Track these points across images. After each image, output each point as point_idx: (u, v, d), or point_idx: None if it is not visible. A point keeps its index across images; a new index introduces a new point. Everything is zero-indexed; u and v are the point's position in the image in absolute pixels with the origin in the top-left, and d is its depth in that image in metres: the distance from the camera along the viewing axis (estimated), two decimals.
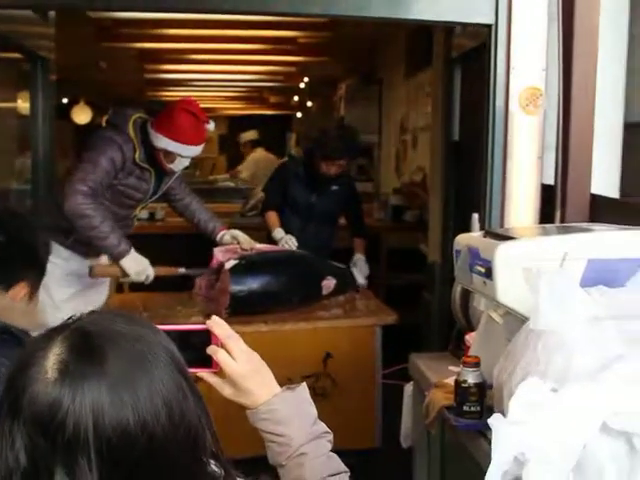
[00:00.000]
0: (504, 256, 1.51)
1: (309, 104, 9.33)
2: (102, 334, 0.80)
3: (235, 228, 5.40)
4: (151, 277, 2.82)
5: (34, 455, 0.76)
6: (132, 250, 2.77)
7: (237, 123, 12.00)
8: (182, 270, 2.99)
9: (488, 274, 1.55)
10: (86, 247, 2.89)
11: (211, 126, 2.92)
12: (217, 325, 1.05)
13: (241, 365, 1.04)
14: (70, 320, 0.83)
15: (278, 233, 3.59)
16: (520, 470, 0.98)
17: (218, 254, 3.04)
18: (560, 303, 1.23)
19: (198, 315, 3.01)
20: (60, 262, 2.78)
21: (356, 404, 3.03)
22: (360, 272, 3.60)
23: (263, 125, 10.21)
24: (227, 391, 1.05)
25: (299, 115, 10.22)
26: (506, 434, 0.94)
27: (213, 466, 0.88)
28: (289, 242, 3.51)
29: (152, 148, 2.85)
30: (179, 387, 0.82)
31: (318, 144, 3.64)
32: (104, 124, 2.99)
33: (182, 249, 4.43)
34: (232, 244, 3.15)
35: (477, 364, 1.62)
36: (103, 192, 2.79)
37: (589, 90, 2.48)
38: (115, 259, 2.77)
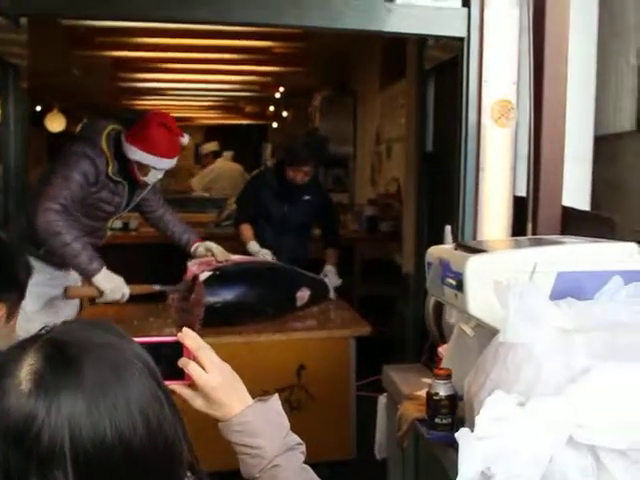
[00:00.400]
0: (474, 269, 1.52)
1: (284, 114, 9.35)
2: (76, 344, 0.79)
3: (210, 238, 5.38)
4: (127, 295, 2.78)
5: (8, 470, 0.74)
6: (104, 268, 2.73)
7: (213, 133, 12.00)
8: (157, 287, 2.97)
9: (459, 287, 1.56)
10: (58, 258, 2.85)
11: (185, 139, 2.91)
12: (188, 337, 1.05)
13: (213, 377, 1.04)
14: (43, 331, 0.82)
15: (253, 246, 3.59)
16: None
17: (192, 267, 3.02)
18: (529, 316, 1.24)
19: (171, 327, 2.98)
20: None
21: (330, 416, 3.02)
22: (330, 283, 3.60)
23: (239, 135, 10.21)
24: (199, 403, 1.05)
25: (275, 125, 10.23)
26: (472, 448, 0.94)
27: (189, 478, 0.88)
28: (266, 257, 3.50)
29: (126, 160, 2.83)
30: (155, 397, 0.81)
31: (285, 151, 3.66)
32: (77, 136, 2.96)
33: (156, 259, 4.42)
34: (206, 256, 3.13)
35: (449, 376, 1.62)
36: (75, 207, 2.75)
37: (560, 103, 2.51)
38: (87, 277, 2.74)
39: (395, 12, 2.58)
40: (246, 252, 3.60)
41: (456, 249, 1.77)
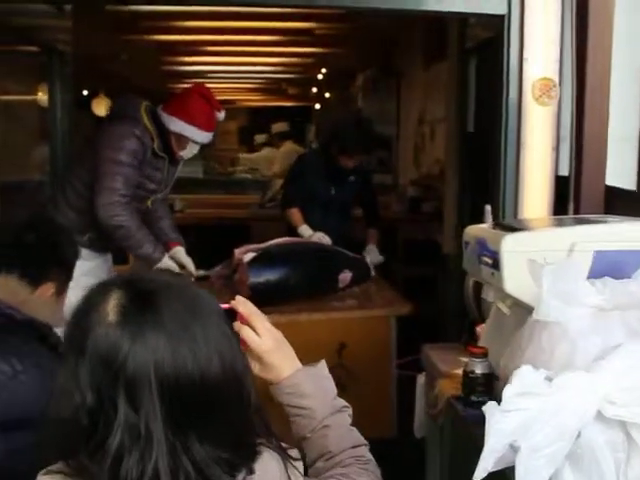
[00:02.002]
0: (510, 247, 1.52)
1: (327, 95, 9.33)
2: (157, 282, 0.88)
3: (253, 219, 5.48)
4: None
5: (99, 390, 0.82)
6: (166, 256, 2.79)
7: (256, 115, 12.04)
8: (201, 272, 3.00)
9: (495, 265, 1.56)
10: (104, 242, 2.88)
11: (222, 115, 2.91)
12: (241, 304, 1.10)
13: (265, 341, 1.08)
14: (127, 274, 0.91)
15: (305, 230, 3.57)
16: (514, 457, 1.00)
17: (238, 254, 3.04)
18: (563, 294, 1.24)
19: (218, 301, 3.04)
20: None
21: (371, 394, 3.04)
22: (372, 260, 3.60)
23: (283, 117, 10.20)
24: (252, 366, 1.08)
25: (318, 107, 10.22)
26: (499, 421, 0.96)
27: (258, 423, 0.94)
28: (322, 240, 3.49)
29: (165, 135, 2.81)
30: (227, 336, 0.90)
31: (335, 138, 3.64)
32: (113, 115, 2.92)
33: (201, 240, 4.48)
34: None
35: (485, 354, 1.63)
36: (129, 191, 2.73)
37: (604, 80, 2.47)
38: (152, 264, 2.77)
39: None
40: (295, 235, 3.59)
41: (493, 228, 1.77)
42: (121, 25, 5.63)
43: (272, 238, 4.30)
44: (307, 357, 3.08)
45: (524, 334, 1.39)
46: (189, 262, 3.01)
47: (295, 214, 3.65)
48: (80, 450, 0.83)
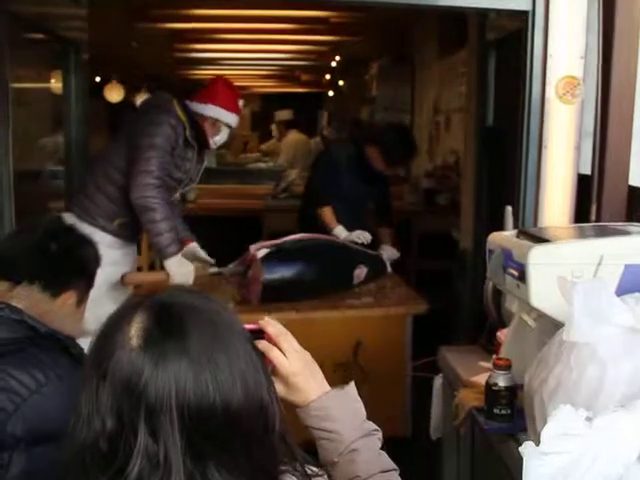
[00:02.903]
0: (537, 260, 1.48)
1: (341, 83, 9.26)
2: (182, 306, 0.85)
3: (266, 211, 5.46)
4: (190, 282, 2.81)
5: (120, 416, 0.80)
6: (180, 254, 2.79)
7: (270, 101, 11.99)
8: (214, 269, 2.99)
9: (521, 277, 1.53)
10: (132, 231, 2.93)
11: (241, 102, 3.08)
12: (270, 324, 1.06)
13: (293, 363, 1.05)
14: (151, 293, 0.89)
15: (341, 232, 3.50)
16: None
17: (254, 250, 3.01)
18: (594, 314, 1.21)
19: (230, 301, 3.02)
20: (102, 249, 2.74)
21: (386, 392, 3.03)
22: (388, 257, 3.56)
23: (295, 103, 10.16)
24: (278, 389, 1.04)
25: (331, 94, 10.15)
26: (538, 464, 0.92)
27: (279, 444, 0.91)
28: (361, 237, 3.44)
29: (197, 124, 2.93)
30: (252, 360, 0.87)
31: (377, 143, 3.56)
32: (145, 107, 3.05)
33: (214, 231, 4.46)
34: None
35: (508, 367, 1.60)
36: (164, 177, 2.80)
37: (630, 78, 2.41)
38: (162, 257, 2.80)
39: None
40: (313, 229, 3.52)
41: (518, 236, 1.73)
42: (133, 13, 5.60)
43: (285, 229, 4.30)
44: (323, 354, 3.05)
45: (551, 350, 1.35)
46: (207, 257, 3.05)
47: (328, 214, 3.56)
48: (99, 477, 0.81)
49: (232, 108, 3.01)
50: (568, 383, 1.22)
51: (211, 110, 2.96)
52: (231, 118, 3.02)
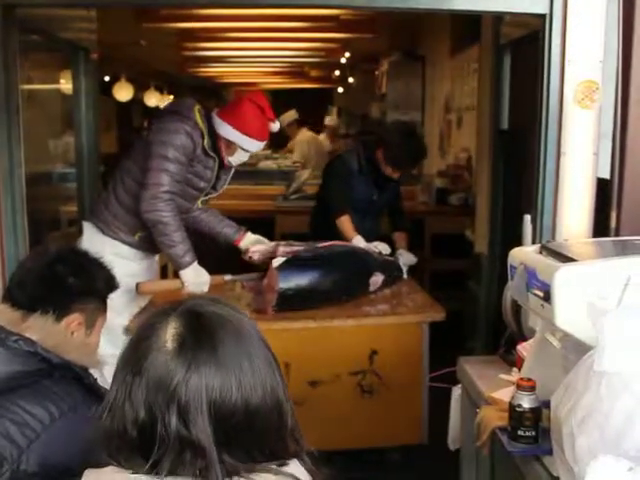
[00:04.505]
0: (564, 281, 1.45)
1: (351, 80, 9.21)
2: (208, 315, 0.95)
3: (278, 212, 5.43)
4: (205, 291, 2.81)
5: (151, 409, 0.90)
6: (195, 263, 2.77)
7: (279, 97, 11.94)
8: (228, 277, 2.97)
9: (546, 298, 1.50)
10: (153, 244, 2.88)
11: (276, 126, 2.88)
12: None
13: None
14: (179, 300, 0.99)
15: (359, 242, 3.43)
16: None
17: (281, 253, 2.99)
18: (626, 342, 1.18)
19: (245, 310, 3.00)
20: (121, 261, 2.70)
21: (402, 401, 3.00)
22: (405, 262, 3.52)
23: (304, 99, 10.11)
24: None
25: (340, 90, 10.10)
26: None
27: (292, 442, 0.99)
28: (379, 247, 3.39)
29: (216, 137, 2.81)
30: (269, 362, 0.97)
31: (385, 149, 3.51)
32: (165, 112, 2.95)
33: None
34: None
35: (532, 388, 1.57)
36: (176, 187, 2.74)
37: None
38: (177, 268, 2.79)
39: None
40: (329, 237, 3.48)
41: (541, 252, 1.70)
42: (142, 13, 5.58)
43: (297, 231, 4.27)
44: (339, 362, 3.05)
45: (579, 376, 1.32)
46: (262, 239, 3.12)
47: (346, 223, 3.49)
48: (124, 459, 0.91)
49: (251, 132, 2.79)
50: (598, 415, 1.19)
51: (225, 129, 2.78)
52: (247, 142, 2.81)
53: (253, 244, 3.07)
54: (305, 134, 7.25)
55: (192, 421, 0.88)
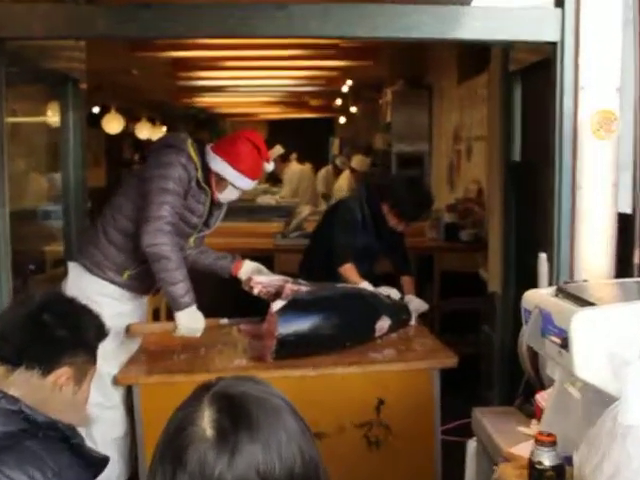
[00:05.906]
0: (582, 327, 1.44)
1: (353, 109, 9.28)
2: (241, 397, 1.01)
3: (277, 250, 5.42)
4: (197, 336, 2.82)
5: None
6: (194, 306, 2.77)
7: (277, 127, 12.05)
8: (224, 321, 2.96)
9: (564, 345, 1.48)
10: (142, 284, 2.91)
11: (270, 166, 2.94)
12: None
13: None
14: (207, 383, 1.04)
15: (367, 288, 3.43)
16: None
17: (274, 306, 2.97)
18: None
19: (242, 356, 2.98)
20: (110, 302, 2.77)
21: (413, 453, 2.94)
22: (416, 308, 3.51)
23: (304, 129, 10.19)
24: None
25: (343, 120, 10.18)
26: None
27: None
28: (387, 291, 3.41)
29: (208, 172, 2.86)
30: (303, 431, 1.02)
31: (392, 202, 3.59)
32: (158, 146, 2.98)
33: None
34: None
35: (553, 443, 1.54)
36: (176, 220, 2.78)
37: None
38: (175, 308, 2.78)
39: (475, 15, 2.49)
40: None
41: (557, 295, 1.68)
42: (135, 42, 5.65)
43: (297, 271, 4.25)
44: (343, 413, 3.00)
45: (603, 430, 1.30)
46: (262, 267, 3.14)
47: (351, 270, 3.55)
48: None
49: (243, 170, 2.85)
50: (627, 471, 1.16)
51: (217, 164, 2.84)
52: (238, 179, 2.87)
53: (253, 273, 3.09)
54: (292, 168, 7.30)
55: None
